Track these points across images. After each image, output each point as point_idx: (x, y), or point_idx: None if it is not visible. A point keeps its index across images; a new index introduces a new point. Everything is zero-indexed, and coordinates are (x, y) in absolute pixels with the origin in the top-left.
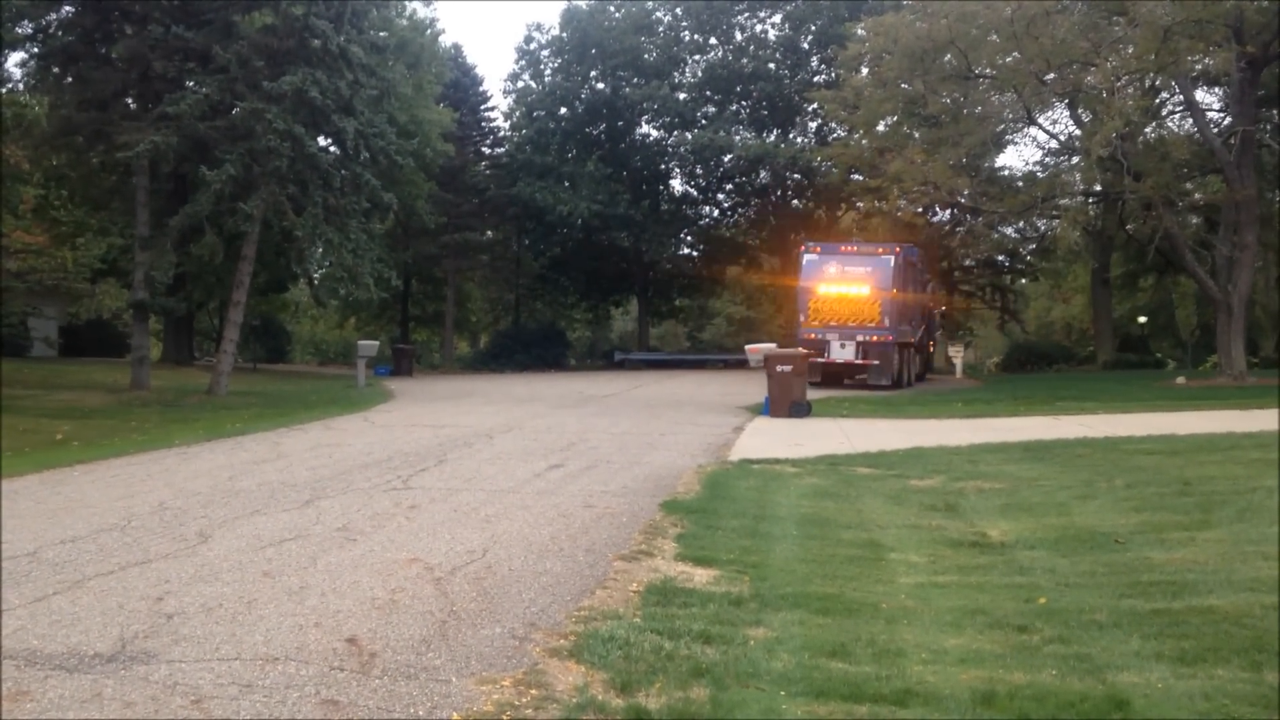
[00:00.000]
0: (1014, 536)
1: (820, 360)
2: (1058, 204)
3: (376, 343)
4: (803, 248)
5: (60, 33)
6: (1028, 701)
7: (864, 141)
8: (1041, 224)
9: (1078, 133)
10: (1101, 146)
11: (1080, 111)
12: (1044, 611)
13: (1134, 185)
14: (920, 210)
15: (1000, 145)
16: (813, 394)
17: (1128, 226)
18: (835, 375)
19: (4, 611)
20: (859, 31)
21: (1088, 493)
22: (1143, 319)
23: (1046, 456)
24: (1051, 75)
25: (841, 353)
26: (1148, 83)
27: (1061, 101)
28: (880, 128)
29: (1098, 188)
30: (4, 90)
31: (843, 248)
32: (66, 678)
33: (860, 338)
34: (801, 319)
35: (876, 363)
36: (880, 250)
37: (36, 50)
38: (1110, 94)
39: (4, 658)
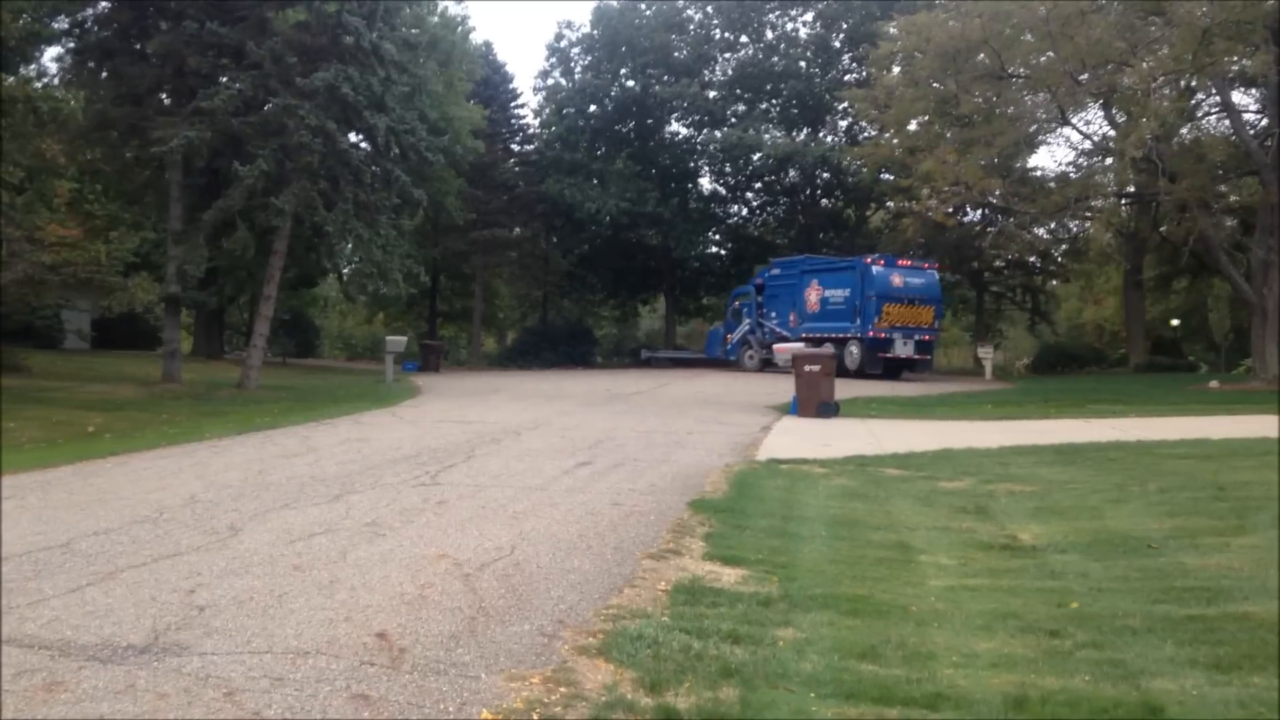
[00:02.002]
0: (1045, 540)
1: (886, 355)
2: (1090, 205)
3: (405, 338)
4: (868, 260)
5: (96, 28)
6: (1060, 707)
7: (894, 141)
8: (1074, 225)
9: (1112, 133)
10: (1136, 147)
11: (1115, 112)
12: (1076, 616)
13: (1169, 187)
14: (951, 210)
15: (1033, 145)
16: (840, 394)
17: (1161, 228)
18: (892, 368)
19: (40, 602)
20: (891, 30)
21: (1120, 497)
22: (1175, 322)
23: (1078, 459)
24: (1086, 75)
25: (904, 349)
26: (1184, 83)
27: (1096, 102)
28: (911, 127)
29: (1131, 189)
30: (40, 85)
31: (900, 261)
32: (100, 669)
33: (918, 337)
34: (875, 320)
35: (929, 358)
36: (925, 265)
37: (72, 45)
38: (1146, 95)
39: (38, 648)
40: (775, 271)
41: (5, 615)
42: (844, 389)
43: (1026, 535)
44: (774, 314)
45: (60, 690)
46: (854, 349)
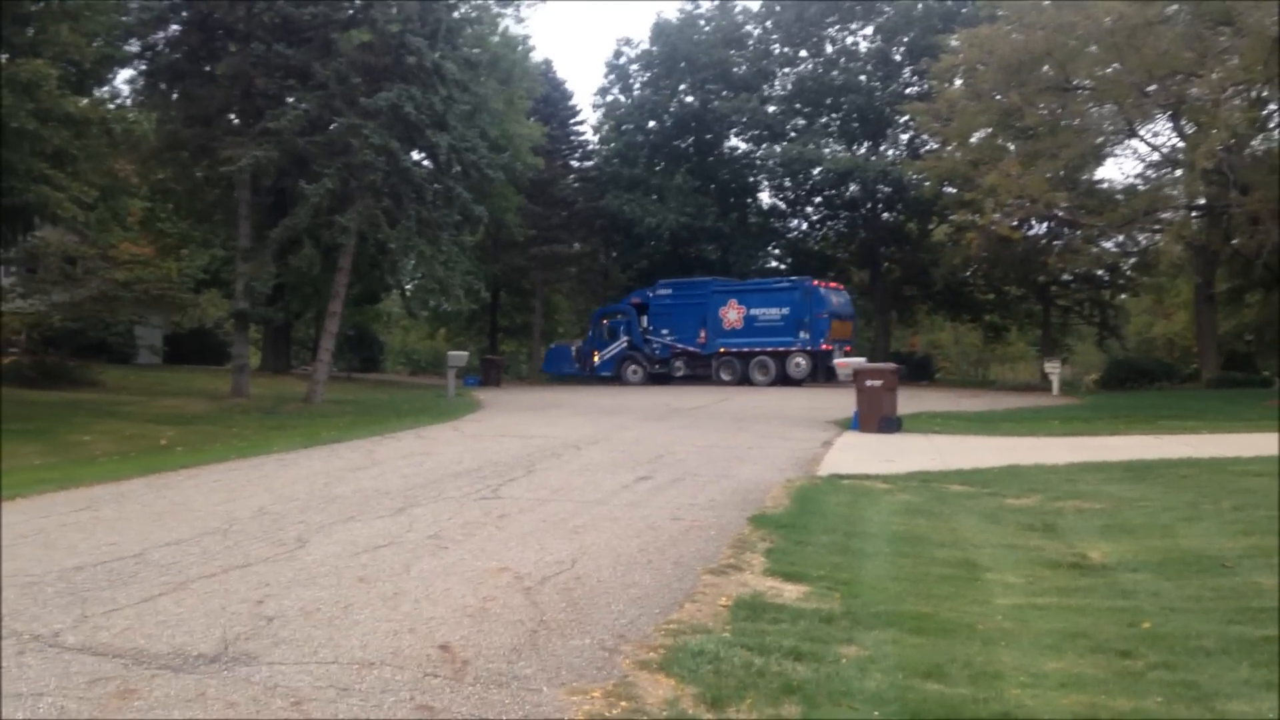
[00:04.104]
0: (1115, 558)
1: (829, 365)
2: (1160, 218)
3: (466, 353)
4: (818, 284)
5: (167, 51)
6: None
7: (957, 154)
8: (1143, 238)
9: (1181, 145)
10: (1206, 159)
11: (1184, 123)
12: (1148, 636)
13: (1240, 199)
14: (1016, 224)
15: (1100, 158)
16: (903, 409)
17: (1233, 241)
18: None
19: (114, 611)
20: (953, 43)
21: (1193, 514)
22: (1249, 336)
23: (1149, 476)
24: (1153, 86)
25: (840, 357)
26: (1255, 94)
27: (1164, 113)
28: (974, 140)
29: (1202, 201)
30: (113, 106)
31: (831, 284)
32: (172, 677)
33: (844, 348)
34: (826, 334)
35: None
36: (841, 286)
37: (144, 68)
38: (1215, 105)
39: (112, 656)
40: (665, 292)
41: (81, 624)
42: (905, 404)
43: (1096, 553)
44: (666, 331)
45: (133, 698)
46: (801, 361)
